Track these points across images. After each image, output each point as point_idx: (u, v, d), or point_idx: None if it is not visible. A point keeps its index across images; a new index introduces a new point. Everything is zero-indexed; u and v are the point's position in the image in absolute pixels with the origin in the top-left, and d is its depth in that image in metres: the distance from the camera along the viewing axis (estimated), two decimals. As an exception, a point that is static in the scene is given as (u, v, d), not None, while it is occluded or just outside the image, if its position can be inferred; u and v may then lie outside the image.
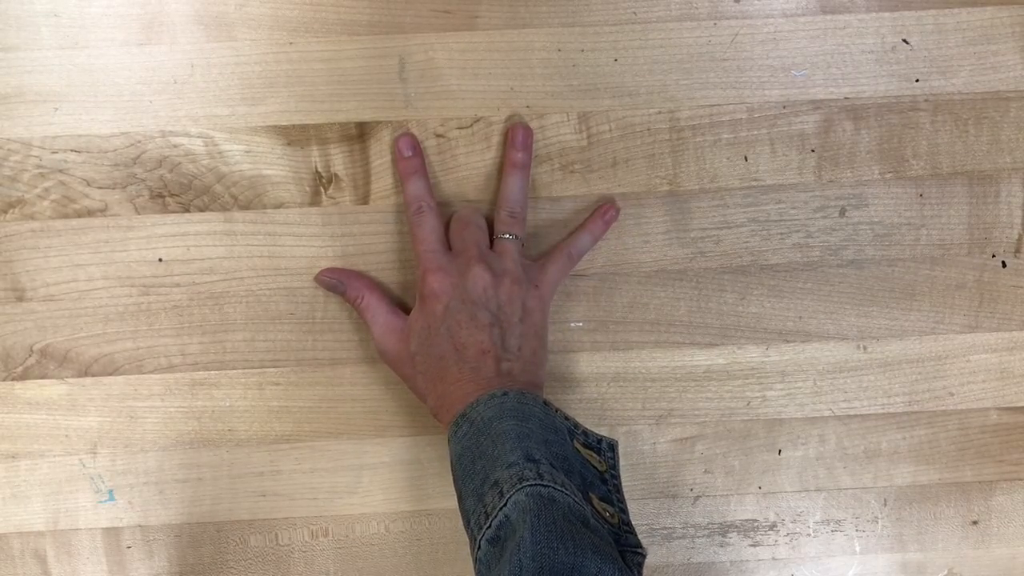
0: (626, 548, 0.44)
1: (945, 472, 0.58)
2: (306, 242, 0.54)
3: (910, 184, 0.55)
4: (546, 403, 0.47)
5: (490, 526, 0.41)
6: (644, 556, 0.44)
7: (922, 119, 0.54)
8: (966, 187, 0.55)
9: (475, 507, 0.43)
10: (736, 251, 0.55)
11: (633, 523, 0.46)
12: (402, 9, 0.52)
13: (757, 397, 0.57)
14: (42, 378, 0.55)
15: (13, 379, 0.55)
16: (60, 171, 0.53)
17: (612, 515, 0.45)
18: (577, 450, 0.47)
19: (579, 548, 0.39)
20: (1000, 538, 0.59)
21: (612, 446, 0.48)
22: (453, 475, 0.47)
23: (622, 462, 0.49)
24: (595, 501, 0.45)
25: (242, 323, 0.55)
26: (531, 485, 0.41)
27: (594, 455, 0.47)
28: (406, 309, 0.53)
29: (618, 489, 0.47)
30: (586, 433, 0.48)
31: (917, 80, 0.54)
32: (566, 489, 0.42)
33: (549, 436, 0.45)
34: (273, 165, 0.53)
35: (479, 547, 0.42)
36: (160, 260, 0.54)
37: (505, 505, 0.41)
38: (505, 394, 0.46)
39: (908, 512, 0.58)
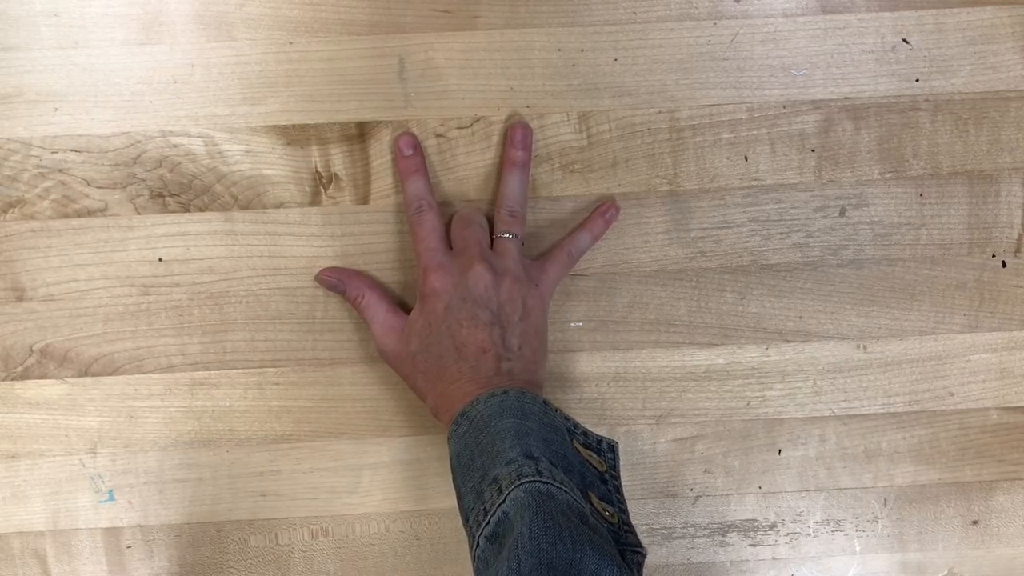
0: (626, 547, 0.44)
1: (945, 472, 0.58)
2: (306, 242, 0.54)
3: (910, 184, 0.55)
4: (546, 402, 0.47)
5: (488, 523, 0.41)
6: (644, 556, 0.44)
7: (922, 119, 0.54)
8: (966, 187, 0.55)
9: (474, 504, 0.43)
10: (736, 251, 0.55)
11: (633, 523, 0.46)
12: (402, 9, 0.52)
13: (757, 397, 0.57)
14: (42, 378, 0.55)
15: (13, 379, 0.55)
16: (60, 171, 0.53)
17: (612, 515, 0.45)
18: (577, 450, 0.47)
19: (578, 544, 0.39)
20: (1000, 538, 0.59)
21: (612, 447, 0.48)
22: (452, 473, 0.47)
23: (622, 461, 0.49)
24: (594, 500, 0.45)
25: (242, 323, 0.55)
26: (530, 482, 0.41)
27: (594, 455, 0.47)
28: (406, 308, 0.53)
29: (618, 489, 0.47)
30: (586, 433, 0.48)
31: (917, 80, 0.54)
32: (565, 487, 0.42)
33: (548, 435, 0.45)
34: (273, 165, 0.53)
35: (477, 544, 0.42)
36: (160, 260, 0.54)
37: (504, 502, 0.41)
38: (505, 392, 0.46)
39: (908, 512, 0.58)
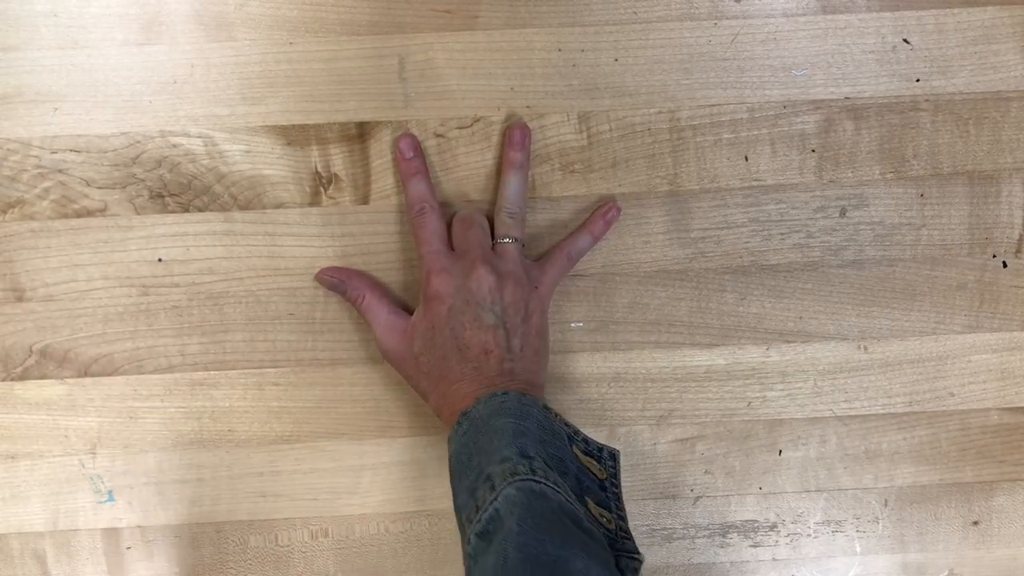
0: (622, 553, 0.44)
1: (946, 473, 0.58)
2: (306, 242, 0.54)
3: (911, 184, 0.55)
4: (546, 407, 0.47)
5: (480, 520, 0.41)
6: (640, 562, 0.44)
7: (923, 119, 0.54)
8: (967, 187, 0.55)
9: (467, 502, 0.43)
10: (736, 251, 0.55)
11: (633, 524, 0.46)
12: (402, 9, 0.52)
13: (757, 397, 0.57)
14: (41, 378, 0.55)
15: (12, 379, 0.55)
16: (59, 171, 0.53)
17: (609, 520, 0.45)
18: (576, 456, 0.46)
19: (566, 544, 0.39)
20: (1001, 539, 0.58)
21: (613, 455, 0.48)
22: (450, 472, 0.47)
23: (623, 463, 0.49)
24: (591, 505, 0.45)
25: (242, 323, 0.55)
26: (523, 480, 0.41)
27: (594, 463, 0.47)
28: (407, 309, 0.53)
29: (618, 497, 0.47)
30: (587, 440, 0.48)
31: (918, 80, 0.54)
32: (559, 487, 0.42)
33: (546, 437, 0.45)
34: (273, 165, 0.53)
35: (469, 541, 0.42)
36: (160, 260, 0.54)
37: (496, 499, 0.41)
38: (505, 394, 0.46)
39: (909, 513, 0.58)
